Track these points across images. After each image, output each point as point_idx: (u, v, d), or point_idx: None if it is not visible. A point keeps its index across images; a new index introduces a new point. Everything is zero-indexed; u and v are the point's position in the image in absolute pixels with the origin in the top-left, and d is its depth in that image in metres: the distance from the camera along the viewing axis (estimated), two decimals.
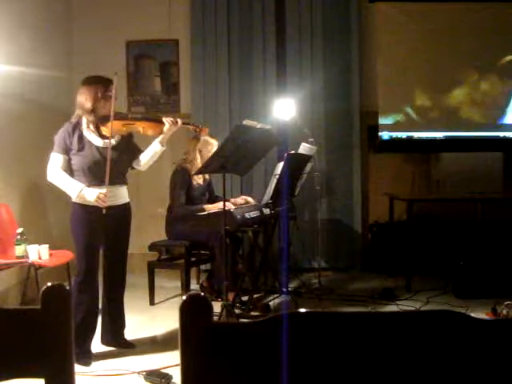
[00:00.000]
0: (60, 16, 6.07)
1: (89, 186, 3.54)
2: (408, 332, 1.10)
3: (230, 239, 4.63)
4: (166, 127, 3.69)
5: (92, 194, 3.50)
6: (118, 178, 3.66)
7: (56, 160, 3.55)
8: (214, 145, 4.95)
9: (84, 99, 3.57)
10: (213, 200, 5.08)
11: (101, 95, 3.56)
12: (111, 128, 3.50)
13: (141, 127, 3.64)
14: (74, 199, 3.55)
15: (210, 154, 4.85)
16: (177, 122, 3.71)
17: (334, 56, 6.19)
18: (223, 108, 6.21)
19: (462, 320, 1.09)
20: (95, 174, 3.56)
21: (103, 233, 3.67)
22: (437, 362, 1.09)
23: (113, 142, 3.60)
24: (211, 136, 5.03)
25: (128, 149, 3.72)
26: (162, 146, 3.74)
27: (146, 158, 3.79)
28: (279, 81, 6.19)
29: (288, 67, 6.18)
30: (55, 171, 3.55)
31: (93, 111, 3.56)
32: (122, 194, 3.74)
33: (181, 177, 4.90)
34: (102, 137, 3.61)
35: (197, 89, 6.24)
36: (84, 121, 3.59)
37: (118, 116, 3.62)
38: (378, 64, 6.11)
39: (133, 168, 3.84)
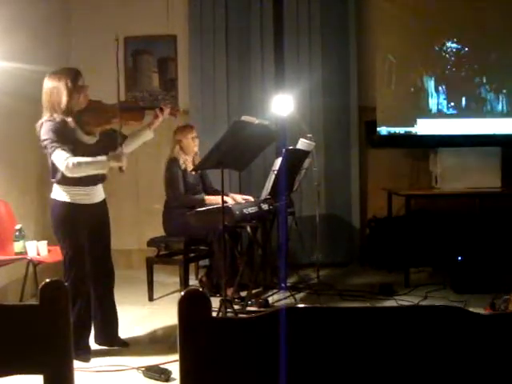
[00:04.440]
0: (57, 12, 6.06)
1: (78, 186, 3.48)
2: (406, 327, 1.10)
3: (228, 235, 4.64)
4: (158, 118, 3.65)
5: (119, 155, 3.41)
6: (101, 176, 3.60)
7: (64, 154, 3.32)
8: (190, 129, 5.06)
9: (56, 97, 3.37)
10: (211, 193, 5.09)
11: (72, 88, 3.38)
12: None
13: (123, 119, 3.52)
14: (110, 165, 3.42)
15: (191, 140, 5.03)
16: (162, 110, 3.65)
17: (331, 52, 6.18)
18: (221, 104, 6.21)
19: (461, 315, 1.09)
20: (92, 175, 3.50)
21: (88, 231, 3.61)
22: (435, 356, 1.09)
23: (95, 138, 3.56)
24: (187, 124, 5.12)
25: (110, 141, 3.55)
26: (152, 133, 3.72)
27: (135, 145, 3.75)
28: (277, 77, 6.19)
29: (286, 63, 6.18)
30: (72, 160, 3.31)
31: (68, 110, 3.38)
32: (101, 191, 3.70)
33: (175, 168, 4.96)
34: (86, 132, 3.51)
35: (195, 85, 6.23)
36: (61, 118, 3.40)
37: (100, 108, 3.52)
38: (376, 59, 6.10)
39: None
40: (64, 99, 3.38)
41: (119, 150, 3.44)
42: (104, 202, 3.74)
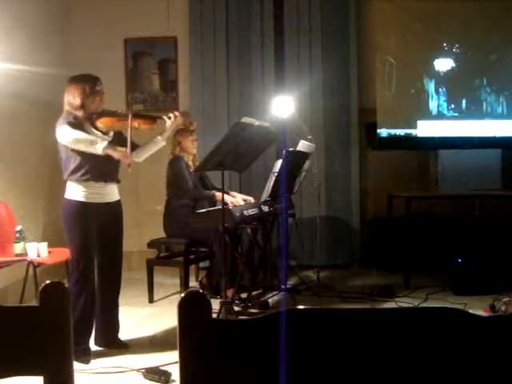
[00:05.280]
0: (58, 13, 6.07)
1: (89, 181, 3.54)
2: (407, 329, 1.10)
3: (228, 236, 4.64)
4: (168, 123, 3.71)
5: (119, 150, 3.49)
6: (112, 176, 3.69)
7: (72, 127, 3.46)
8: (190, 132, 5.03)
9: (72, 97, 3.57)
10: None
11: (89, 91, 3.57)
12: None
13: (136, 123, 3.62)
14: (101, 152, 3.44)
15: (190, 143, 5.03)
16: (176, 117, 3.72)
17: (332, 53, 6.19)
18: (222, 105, 6.21)
19: (461, 316, 1.09)
20: (101, 170, 3.57)
21: (97, 230, 3.64)
22: (436, 358, 1.09)
23: (109, 138, 3.63)
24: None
25: (121, 145, 3.63)
26: (164, 141, 3.80)
27: (147, 153, 3.83)
28: (278, 78, 6.19)
29: (286, 64, 6.19)
30: (76, 131, 3.44)
31: (82, 107, 3.55)
32: (115, 191, 3.76)
33: (181, 163, 4.97)
34: (99, 131, 3.62)
35: (195, 86, 6.24)
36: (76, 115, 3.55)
37: (112, 113, 3.63)
38: (376, 61, 6.11)
39: None
40: (79, 100, 3.55)
41: (127, 151, 3.51)
42: (118, 202, 3.79)
